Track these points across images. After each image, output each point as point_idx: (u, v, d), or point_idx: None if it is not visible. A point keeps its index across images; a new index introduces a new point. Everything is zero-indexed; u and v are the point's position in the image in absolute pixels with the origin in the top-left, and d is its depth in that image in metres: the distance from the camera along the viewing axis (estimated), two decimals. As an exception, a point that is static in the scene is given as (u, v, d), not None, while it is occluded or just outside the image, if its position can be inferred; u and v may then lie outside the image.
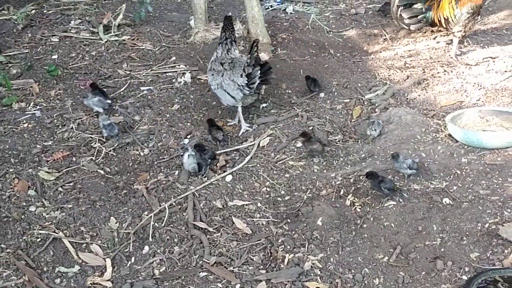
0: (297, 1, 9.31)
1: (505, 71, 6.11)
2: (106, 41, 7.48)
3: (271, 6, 8.97)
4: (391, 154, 4.58)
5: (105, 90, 6.11)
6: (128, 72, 6.71)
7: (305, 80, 6.11)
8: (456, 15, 6.35)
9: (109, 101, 5.71)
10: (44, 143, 5.25)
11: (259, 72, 5.19)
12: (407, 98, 5.74)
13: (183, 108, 5.91)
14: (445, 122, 4.93)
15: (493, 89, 5.75)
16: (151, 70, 6.76)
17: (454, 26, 6.41)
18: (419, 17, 6.56)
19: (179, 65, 6.92)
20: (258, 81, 5.25)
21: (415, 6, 6.54)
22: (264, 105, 5.90)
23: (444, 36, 7.37)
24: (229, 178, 4.76)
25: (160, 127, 5.54)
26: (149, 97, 6.13)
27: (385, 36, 7.63)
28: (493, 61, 6.43)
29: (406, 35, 7.54)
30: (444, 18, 6.42)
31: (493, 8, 7.90)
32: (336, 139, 5.20)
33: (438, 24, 6.48)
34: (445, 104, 5.59)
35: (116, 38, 7.67)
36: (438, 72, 6.26)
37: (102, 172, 4.90)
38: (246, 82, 5.24)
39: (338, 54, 7.17)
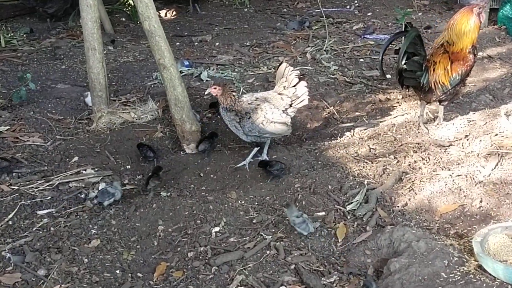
0: (208, 64, 7.96)
1: (488, 155, 5.13)
2: (-22, 137, 5.64)
3: (181, 72, 7.50)
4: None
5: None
6: (15, 187, 4.92)
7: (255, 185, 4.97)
8: (450, 80, 5.46)
9: None
10: None
11: None
12: (398, 207, 4.55)
13: (105, 244, 4.27)
14: (477, 254, 3.76)
15: (490, 183, 4.74)
16: (46, 182, 5.02)
17: (442, 93, 5.54)
18: (417, 73, 5.46)
19: (85, 170, 5.24)
20: None
21: (415, 58, 5.48)
22: (216, 229, 4.41)
23: (395, 106, 6.37)
24: None
25: (79, 285, 3.86)
26: (52, 229, 4.41)
27: (327, 107, 6.47)
28: (467, 140, 5.46)
29: (352, 107, 6.45)
30: (441, 83, 5.47)
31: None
32: (331, 283, 3.83)
33: (432, 87, 5.52)
34: (444, 211, 4.47)
35: (-9, 131, 5.84)
36: (415, 161, 5.16)
37: None
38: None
39: (282, 135, 5.87)
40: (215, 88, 5.20)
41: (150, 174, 5.01)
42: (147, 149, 5.53)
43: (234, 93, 5.22)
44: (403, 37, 5.53)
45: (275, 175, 5.00)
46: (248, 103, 5.18)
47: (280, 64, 5.34)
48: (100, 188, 4.83)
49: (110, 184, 4.74)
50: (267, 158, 5.37)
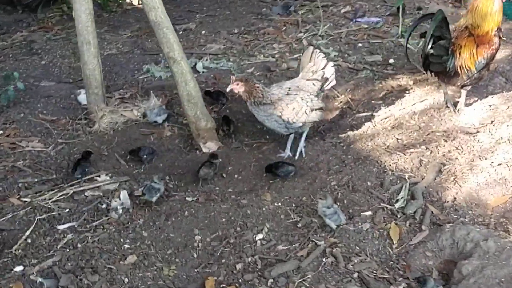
0: (199, 54, 7.54)
1: (520, 141, 4.97)
2: (-29, 145, 5.11)
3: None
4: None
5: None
6: (26, 200, 4.44)
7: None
8: (476, 65, 5.20)
9: None
10: None
11: None
12: (448, 202, 4.31)
13: (141, 260, 3.87)
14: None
15: (532, 171, 4.55)
16: (59, 192, 4.56)
17: (467, 77, 5.29)
18: (443, 58, 5.18)
19: (98, 176, 4.80)
20: None
21: (441, 42, 5.17)
22: (259, 236, 4.07)
23: (408, 92, 6.14)
24: None
25: (128, 313, 3.47)
26: (80, 245, 3.98)
27: (337, 96, 6.19)
28: (494, 126, 5.28)
29: (365, 95, 6.19)
30: (467, 68, 5.21)
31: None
32: (399, 291, 3.57)
33: (458, 72, 5.25)
34: (496, 205, 4.26)
35: (-17, 137, 5.32)
36: (449, 151, 4.94)
37: None
38: None
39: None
40: (237, 84, 4.86)
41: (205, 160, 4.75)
42: (145, 148, 5.13)
43: (258, 86, 4.88)
44: (430, 20, 5.27)
45: (281, 177, 4.70)
46: (285, 94, 4.88)
47: (306, 49, 5.06)
48: (120, 194, 4.40)
49: (152, 180, 4.45)
50: (290, 154, 5.07)
